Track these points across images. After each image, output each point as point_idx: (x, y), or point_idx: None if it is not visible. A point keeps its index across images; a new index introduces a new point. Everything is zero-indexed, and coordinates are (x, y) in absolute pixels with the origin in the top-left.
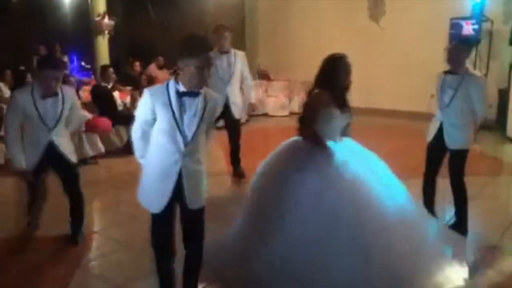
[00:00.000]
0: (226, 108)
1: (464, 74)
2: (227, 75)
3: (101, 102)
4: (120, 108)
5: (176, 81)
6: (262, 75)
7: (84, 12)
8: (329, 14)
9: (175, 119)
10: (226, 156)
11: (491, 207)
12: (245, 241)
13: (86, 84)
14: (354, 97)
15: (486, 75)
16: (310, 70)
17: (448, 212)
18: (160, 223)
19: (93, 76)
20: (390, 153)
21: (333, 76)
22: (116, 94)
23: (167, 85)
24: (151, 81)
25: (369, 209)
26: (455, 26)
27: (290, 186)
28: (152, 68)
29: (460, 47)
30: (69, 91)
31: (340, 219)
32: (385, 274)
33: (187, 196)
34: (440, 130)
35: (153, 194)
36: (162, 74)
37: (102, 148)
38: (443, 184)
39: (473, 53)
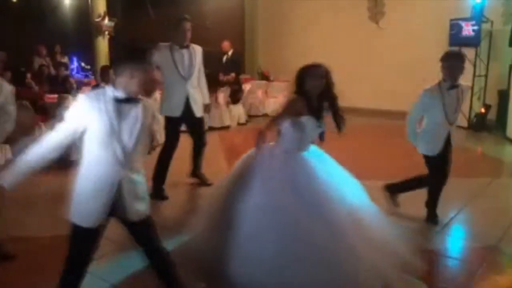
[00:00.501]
0: (187, 107)
1: (460, 86)
2: (188, 71)
3: None
4: None
5: (114, 87)
6: (262, 76)
7: (84, 13)
8: (329, 15)
9: (112, 128)
10: (226, 159)
11: (491, 207)
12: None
13: (86, 84)
14: (354, 98)
15: (486, 76)
16: None
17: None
18: (90, 238)
19: (93, 77)
20: (391, 154)
21: (303, 85)
22: None
23: (104, 91)
24: (153, 82)
25: (328, 212)
26: (454, 27)
27: (249, 189)
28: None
29: (460, 63)
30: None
31: (299, 222)
32: (340, 275)
33: (127, 208)
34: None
35: (89, 208)
36: (160, 74)
37: None
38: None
39: (473, 54)
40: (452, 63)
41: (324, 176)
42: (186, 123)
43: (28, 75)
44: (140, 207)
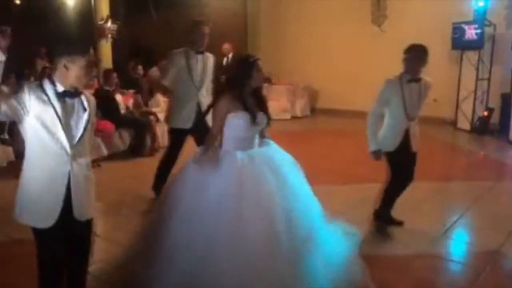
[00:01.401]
0: (198, 118)
1: (422, 79)
2: (200, 79)
3: (104, 105)
4: (122, 111)
5: (51, 81)
6: (264, 79)
7: (87, 16)
8: (331, 18)
9: (58, 118)
10: None
11: (494, 211)
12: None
13: (89, 87)
14: (355, 101)
15: (489, 79)
16: (312, 74)
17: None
18: (53, 238)
19: (95, 80)
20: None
21: (243, 78)
22: (118, 97)
23: (41, 84)
24: (154, 84)
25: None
26: (457, 30)
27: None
28: (155, 71)
29: (421, 56)
30: None
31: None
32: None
33: (74, 205)
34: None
35: (41, 206)
36: None
37: (105, 151)
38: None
39: (476, 57)
40: (413, 55)
41: (260, 179)
42: (193, 134)
43: (32, 78)
44: (87, 206)
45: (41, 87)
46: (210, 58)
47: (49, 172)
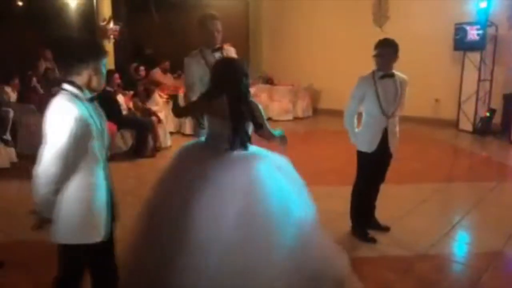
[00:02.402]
0: None
1: (396, 76)
2: None
3: (106, 106)
4: (124, 112)
5: (79, 88)
6: (266, 80)
7: (89, 17)
8: (333, 18)
9: (98, 128)
10: None
11: (496, 212)
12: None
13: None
14: None
15: (491, 80)
16: (313, 75)
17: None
18: (103, 252)
19: None
20: (395, 158)
21: (238, 85)
22: (120, 98)
23: (74, 93)
24: (155, 86)
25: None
26: (459, 31)
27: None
28: (156, 73)
29: (390, 50)
30: None
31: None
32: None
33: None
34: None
35: (102, 218)
36: (166, 79)
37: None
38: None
39: (478, 58)
40: (383, 51)
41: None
42: None
43: (34, 79)
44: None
45: (78, 99)
46: (231, 51)
47: (102, 183)
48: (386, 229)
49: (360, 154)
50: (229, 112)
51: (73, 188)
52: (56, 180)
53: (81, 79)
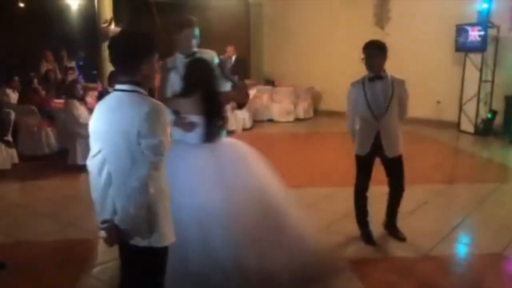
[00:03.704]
0: None
1: (389, 77)
2: None
3: None
4: None
5: (142, 88)
6: (267, 81)
7: (91, 19)
8: (334, 20)
9: None
10: None
11: (497, 213)
12: None
13: (93, 89)
14: None
15: (492, 82)
16: (315, 77)
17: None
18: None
19: (99, 82)
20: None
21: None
22: None
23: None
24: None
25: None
26: (460, 32)
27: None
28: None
29: (378, 51)
30: None
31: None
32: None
33: None
34: (375, 140)
35: (170, 219)
36: None
37: None
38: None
39: (479, 60)
40: (369, 52)
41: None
42: None
43: (35, 80)
44: None
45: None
46: (208, 53)
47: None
48: (403, 239)
49: (355, 157)
50: (202, 108)
51: (159, 189)
52: (152, 183)
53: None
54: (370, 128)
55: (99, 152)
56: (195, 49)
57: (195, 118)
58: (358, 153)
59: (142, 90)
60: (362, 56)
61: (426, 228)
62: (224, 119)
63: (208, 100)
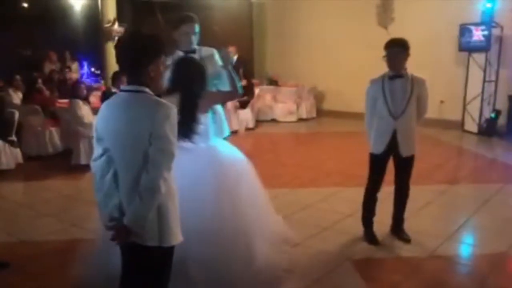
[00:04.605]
0: None
1: (409, 76)
2: None
3: None
4: None
5: (149, 89)
6: (270, 81)
7: (94, 19)
8: (337, 20)
9: None
10: None
11: (502, 214)
12: None
13: (96, 89)
14: (362, 104)
15: (496, 81)
16: (318, 77)
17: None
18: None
19: (102, 82)
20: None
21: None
22: None
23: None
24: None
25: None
26: (464, 32)
27: None
28: None
29: (399, 49)
30: None
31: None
32: None
33: None
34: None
35: (178, 218)
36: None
37: None
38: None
39: (483, 59)
40: (392, 50)
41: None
42: None
43: (39, 80)
44: None
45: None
46: (208, 51)
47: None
48: (407, 241)
49: (370, 156)
50: (179, 108)
51: (169, 189)
52: (163, 184)
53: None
54: (387, 127)
55: (104, 152)
56: (195, 47)
57: None
58: (373, 152)
59: (149, 91)
60: (384, 53)
61: (430, 228)
62: (196, 122)
63: (185, 100)
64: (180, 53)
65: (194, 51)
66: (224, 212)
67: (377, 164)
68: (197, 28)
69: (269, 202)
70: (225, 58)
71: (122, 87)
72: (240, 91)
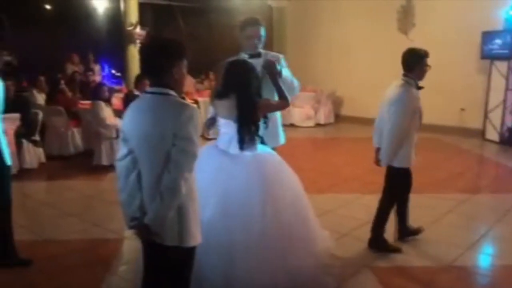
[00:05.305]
0: None
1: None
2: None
3: None
4: None
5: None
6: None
7: (117, 22)
8: (357, 25)
9: None
10: None
11: None
12: None
13: (118, 91)
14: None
15: None
16: (336, 82)
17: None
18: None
19: (124, 84)
20: (419, 167)
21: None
22: None
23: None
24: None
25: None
26: (486, 39)
27: None
28: (187, 78)
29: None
30: None
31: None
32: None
33: None
34: None
35: (199, 220)
36: (188, 82)
37: None
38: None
39: (505, 67)
40: (427, 61)
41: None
42: None
43: (62, 82)
44: None
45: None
46: (272, 56)
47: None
48: (418, 231)
49: (402, 170)
50: (236, 113)
51: (190, 190)
52: (184, 184)
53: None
54: (415, 138)
55: (129, 153)
56: (261, 50)
57: (229, 123)
58: (407, 166)
59: (174, 93)
60: (426, 63)
61: (449, 237)
62: (257, 127)
63: (242, 104)
64: (244, 56)
65: (259, 55)
66: (268, 226)
67: (409, 177)
68: (262, 31)
69: (315, 217)
70: (268, 68)
71: (148, 89)
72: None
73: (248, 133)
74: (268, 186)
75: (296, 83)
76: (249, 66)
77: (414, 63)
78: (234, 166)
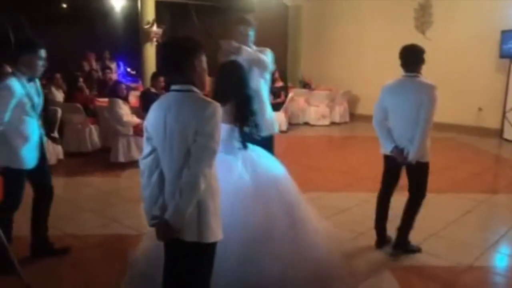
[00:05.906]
0: None
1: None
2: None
3: (149, 107)
4: None
5: (197, 88)
6: (304, 84)
7: (133, 20)
8: (374, 23)
9: None
10: None
11: None
12: None
13: (134, 89)
14: None
15: None
16: (352, 81)
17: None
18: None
19: (141, 82)
20: (437, 167)
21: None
22: None
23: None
24: None
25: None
26: (506, 38)
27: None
28: None
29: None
30: None
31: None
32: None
33: None
34: None
35: (219, 216)
36: None
37: None
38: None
39: None
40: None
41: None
42: None
43: (81, 79)
44: None
45: None
46: (262, 51)
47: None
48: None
49: (427, 165)
50: (237, 116)
51: (210, 186)
52: (204, 180)
53: None
54: None
55: (152, 151)
56: (252, 46)
57: (226, 127)
58: (428, 160)
59: (197, 90)
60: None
61: (468, 238)
62: (256, 125)
63: (242, 107)
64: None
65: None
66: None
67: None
68: (251, 32)
69: (310, 212)
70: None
71: (173, 86)
72: None
73: (248, 133)
74: (255, 182)
75: (263, 57)
76: (240, 66)
77: (422, 59)
78: (232, 164)
